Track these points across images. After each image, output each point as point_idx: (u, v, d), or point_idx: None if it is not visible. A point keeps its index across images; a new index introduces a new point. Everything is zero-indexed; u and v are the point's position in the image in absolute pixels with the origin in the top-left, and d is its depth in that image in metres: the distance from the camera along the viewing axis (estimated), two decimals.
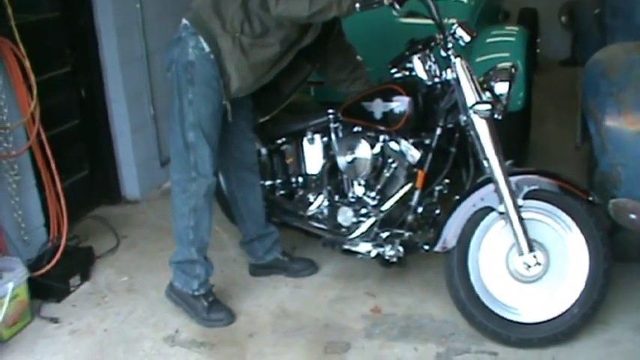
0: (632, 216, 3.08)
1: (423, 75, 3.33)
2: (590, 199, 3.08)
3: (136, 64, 4.78)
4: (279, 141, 3.91)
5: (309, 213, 3.75)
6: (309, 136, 3.75)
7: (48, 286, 3.72)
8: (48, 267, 3.70)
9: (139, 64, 4.81)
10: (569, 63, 7.15)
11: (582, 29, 5.70)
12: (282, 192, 3.95)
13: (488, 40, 4.50)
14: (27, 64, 3.58)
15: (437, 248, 3.22)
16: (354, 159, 3.46)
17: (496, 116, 3.16)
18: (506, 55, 4.27)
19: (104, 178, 4.86)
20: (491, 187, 3.11)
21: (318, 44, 3.49)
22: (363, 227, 3.49)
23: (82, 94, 4.63)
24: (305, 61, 3.57)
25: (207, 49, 3.19)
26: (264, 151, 3.91)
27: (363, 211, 3.51)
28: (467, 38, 3.19)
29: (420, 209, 3.41)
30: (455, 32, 3.19)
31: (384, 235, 3.45)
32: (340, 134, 3.64)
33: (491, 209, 3.15)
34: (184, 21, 3.25)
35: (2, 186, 3.64)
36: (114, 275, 4.01)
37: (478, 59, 4.27)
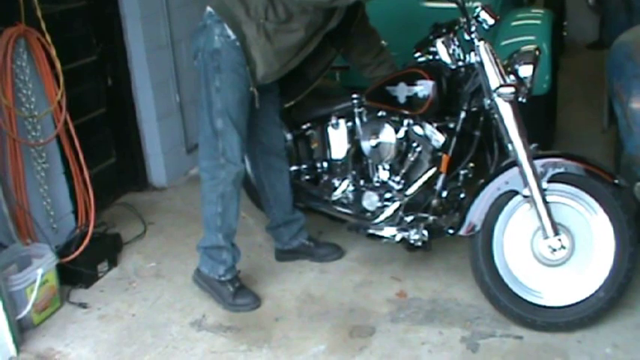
0: None
1: (446, 59, 3.32)
2: (616, 182, 3.06)
3: (161, 52, 4.80)
4: (304, 126, 3.92)
5: (334, 198, 3.75)
6: (334, 121, 3.75)
7: (77, 272, 3.76)
8: (76, 253, 3.73)
9: (164, 51, 4.82)
10: (596, 46, 7.07)
11: (610, 11, 5.66)
12: (307, 177, 3.96)
13: (514, 23, 4.47)
14: (53, 53, 3.61)
15: (461, 232, 3.22)
16: (379, 143, 3.46)
17: (520, 99, 3.15)
18: (532, 38, 4.24)
19: (131, 166, 4.90)
20: (515, 170, 3.10)
21: (342, 29, 3.48)
22: (388, 211, 3.49)
23: (109, 82, 4.65)
24: (329, 46, 3.57)
25: (232, 36, 3.20)
26: (289, 136, 3.92)
27: (388, 195, 3.51)
28: (490, 21, 3.18)
29: (444, 193, 3.41)
30: (479, 15, 3.19)
31: (409, 219, 3.45)
32: (365, 119, 3.64)
33: (516, 193, 3.14)
34: (209, 9, 3.26)
35: (31, 174, 3.68)
36: (141, 261, 4.05)
37: (503, 42, 4.25)
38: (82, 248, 3.75)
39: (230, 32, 3.19)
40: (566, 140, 5.02)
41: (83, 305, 3.63)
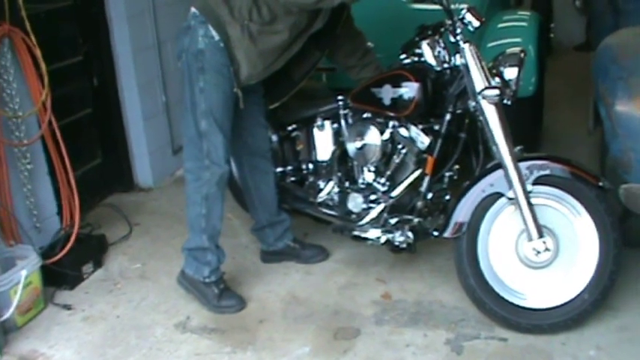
0: None
1: (432, 61, 3.31)
2: (601, 184, 3.07)
3: (147, 53, 4.79)
4: (290, 127, 3.91)
5: (320, 199, 3.75)
6: (320, 123, 3.74)
7: (61, 274, 3.75)
8: (61, 254, 3.71)
9: (150, 52, 4.81)
10: (583, 48, 7.10)
11: (596, 14, 5.67)
12: (292, 178, 3.95)
13: (500, 25, 4.49)
14: (38, 53, 3.59)
15: (446, 234, 3.22)
16: (364, 145, 3.46)
17: (505, 101, 3.15)
18: (518, 40, 4.26)
19: (117, 166, 4.88)
20: (500, 172, 3.10)
21: (328, 30, 3.48)
22: (373, 213, 3.49)
23: (95, 82, 4.64)
24: (314, 48, 3.56)
25: (216, 37, 3.19)
26: (274, 137, 3.90)
27: (373, 197, 3.52)
28: (476, 23, 3.19)
29: (429, 195, 3.41)
30: (464, 18, 3.19)
31: (394, 221, 3.45)
32: (350, 120, 3.64)
33: (501, 195, 3.14)
34: (193, 9, 3.25)
35: (15, 174, 3.66)
36: (126, 262, 4.04)
37: (490, 44, 4.26)
38: (66, 249, 3.73)
39: (214, 33, 3.19)
40: (552, 142, 5.03)
41: (67, 307, 3.62)
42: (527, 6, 6.53)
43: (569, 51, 7.41)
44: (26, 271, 3.42)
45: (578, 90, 5.75)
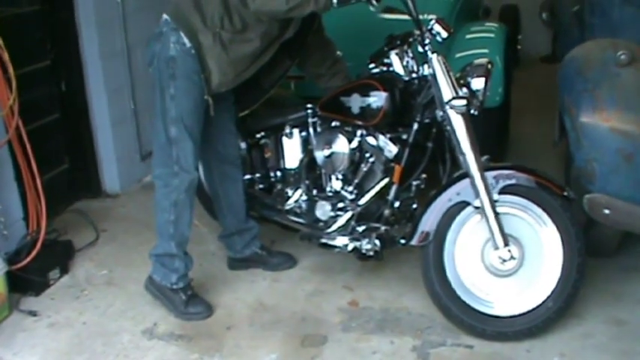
0: (606, 211, 3.11)
1: (400, 70, 3.35)
2: (565, 194, 3.11)
3: (116, 58, 4.77)
4: (259, 135, 3.91)
5: (287, 207, 3.76)
6: (288, 131, 3.74)
7: (27, 280, 3.71)
8: (26, 260, 3.68)
9: (119, 58, 4.80)
10: (550, 59, 7.17)
11: (562, 26, 5.74)
12: (261, 186, 3.95)
13: (468, 36, 4.53)
14: (6, 56, 3.56)
15: (413, 242, 3.24)
16: (332, 153, 3.48)
17: (472, 112, 3.18)
18: (485, 51, 4.29)
19: (84, 172, 4.85)
20: (467, 181, 3.13)
21: (298, 39, 3.49)
22: (341, 221, 3.51)
23: (63, 87, 4.61)
24: (285, 56, 3.58)
25: (188, 44, 3.20)
26: (243, 145, 3.90)
27: (341, 205, 3.53)
28: (444, 34, 3.23)
29: (397, 203, 3.43)
30: (432, 28, 3.22)
31: (361, 228, 3.47)
32: (318, 129, 3.66)
33: (467, 204, 3.17)
34: (165, 16, 3.25)
35: None
36: (93, 269, 4.01)
37: (457, 55, 4.28)
38: (32, 255, 3.70)
39: (186, 40, 3.19)
40: (518, 152, 5.08)
41: (33, 313, 3.58)
42: (494, 18, 6.60)
43: (536, 62, 7.48)
44: None
45: (545, 101, 5.78)
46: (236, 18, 3.19)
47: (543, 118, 5.42)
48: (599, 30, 4.50)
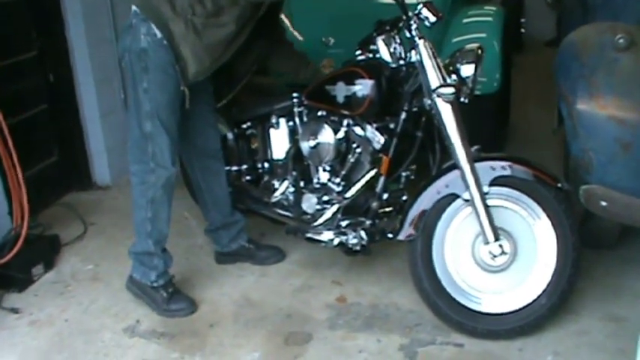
0: (603, 203, 2.98)
1: (387, 57, 3.21)
2: (559, 185, 2.99)
3: (104, 47, 4.68)
4: (245, 125, 3.81)
5: (274, 199, 3.66)
6: (275, 121, 3.64)
7: (9, 276, 3.65)
8: (9, 256, 3.61)
9: (107, 47, 4.70)
10: (554, 43, 7.02)
11: (566, 9, 5.60)
12: (248, 178, 3.85)
13: (465, 20, 4.43)
14: None
15: (400, 237, 3.13)
16: (318, 144, 3.37)
17: (462, 100, 3.07)
18: (483, 35, 4.19)
19: (74, 164, 4.78)
20: (456, 173, 3.01)
21: (271, 16, 3.40)
22: (327, 214, 3.40)
23: (50, 78, 4.54)
24: (258, 36, 3.44)
25: (159, 34, 3.09)
26: (230, 135, 3.81)
27: (326, 198, 3.42)
28: (432, 19, 3.09)
29: (385, 196, 3.31)
30: (420, 12, 3.08)
31: (344, 223, 3.36)
32: (305, 118, 3.55)
33: (457, 196, 3.06)
34: (134, 7, 3.14)
35: None
36: (79, 263, 3.94)
37: (454, 39, 4.18)
38: (15, 251, 3.62)
39: (157, 31, 3.08)
40: (518, 140, 4.96)
41: (15, 310, 3.51)
42: (497, 1, 6.45)
43: (540, 46, 7.35)
44: None
45: (548, 86, 5.65)
46: (208, 2, 3.08)
47: (545, 103, 5.29)
48: (602, 12, 4.37)
